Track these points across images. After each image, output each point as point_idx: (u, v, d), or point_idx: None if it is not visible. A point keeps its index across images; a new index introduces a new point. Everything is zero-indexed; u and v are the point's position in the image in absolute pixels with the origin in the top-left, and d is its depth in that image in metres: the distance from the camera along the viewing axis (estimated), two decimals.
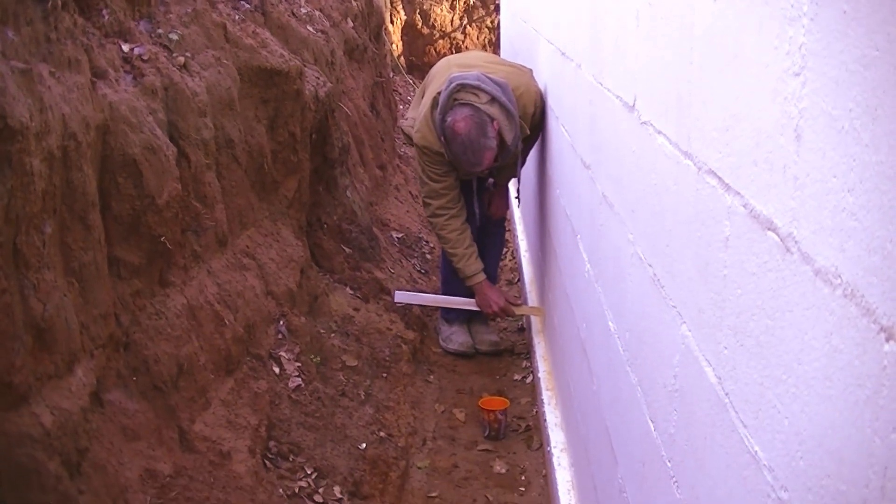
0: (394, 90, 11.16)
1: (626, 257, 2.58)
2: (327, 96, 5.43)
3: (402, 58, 13.76)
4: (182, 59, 3.91)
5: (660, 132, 2.14)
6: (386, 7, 11.91)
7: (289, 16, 5.56)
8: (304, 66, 5.21)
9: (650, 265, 2.26)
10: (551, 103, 4.96)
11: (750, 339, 1.47)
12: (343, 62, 6.96)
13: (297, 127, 4.86)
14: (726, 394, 1.61)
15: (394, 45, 13.05)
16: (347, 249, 5.82)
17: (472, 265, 5.43)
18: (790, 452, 1.30)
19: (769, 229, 1.37)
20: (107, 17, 3.57)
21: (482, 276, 5.49)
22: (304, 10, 6.01)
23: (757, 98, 1.42)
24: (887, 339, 0.99)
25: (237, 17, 4.72)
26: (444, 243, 5.51)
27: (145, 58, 3.61)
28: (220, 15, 4.45)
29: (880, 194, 1.00)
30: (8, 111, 2.43)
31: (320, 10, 6.61)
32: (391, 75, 10.91)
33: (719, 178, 1.63)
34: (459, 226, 5.38)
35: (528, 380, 5.61)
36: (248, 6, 5.15)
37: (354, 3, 8.02)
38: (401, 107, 11.04)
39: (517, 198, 6.20)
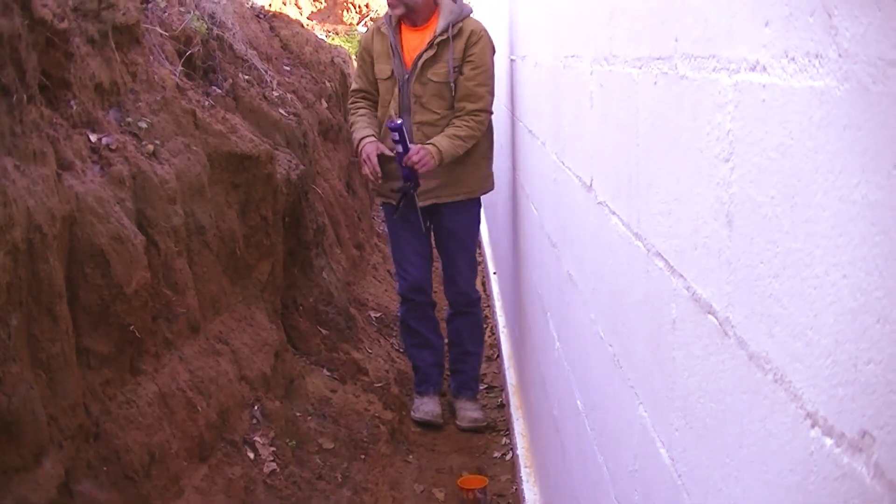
0: None
1: (590, 336, 2.59)
2: (300, 179, 5.46)
3: None
4: (151, 146, 3.93)
5: (614, 213, 2.16)
6: None
7: (260, 99, 5.61)
8: (276, 149, 5.24)
9: (610, 345, 2.27)
10: (522, 180, 4.99)
11: (698, 421, 1.48)
12: (317, 143, 7.00)
13: (269, 210, 4.87)
14: (679, 475, 1.61)
15: None
16: (324, 331, 5.81)
17: (361, 131, 5.51)
18: None
19: (709, 313, 1.39)
20: (75, 107, 3.60)
21: (370, 138, 5.46)
22: (276, 94, 6.06)
23: (694, 183, 1.45)
24: (813, 426, 1.00)
25: (207, 103, 4.75)
26: (352, 129, 5.69)
27: (113, 147, 3.63)
28: (190, 102, 4.48)
29: (800, 281, 1.02)
30: None
31: (293, 93, 6.66)
32: None
33: (665, 261, 1.65)
34: (360, 114, 5.60)
35: (508, 457, 5.58)
36: (219, 91, 5.19)
37: (328, 84, 8.09)
38: None
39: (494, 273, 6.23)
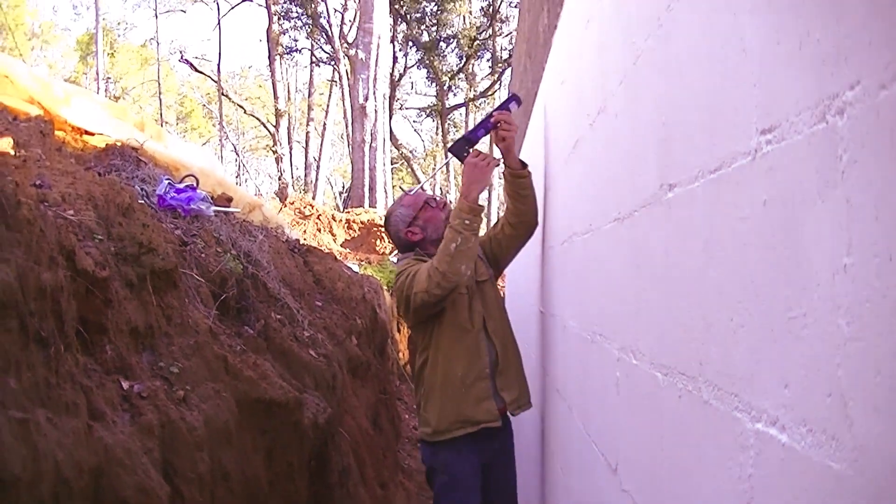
0: (399, 399, 11.21)
1: None
2: (327, 423, 5.47)
3: (408, 366, 13.89)
4: (182, 392, 3.98)
5: None
6: (392, 318, 12.11)
7: (291, 340, 5.68)
8: (305, 391, 5.27)
9: None
10: (548, 436, 4.97)
11: None
12: (346, 381, 7.03)
13: (294, 456, 4.88)
14: None
15: (400, 354, 13.20)
16: None
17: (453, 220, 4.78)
18: None
19: None
20: (109, 352, 3.66)
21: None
22: (307, 334, 6.14)
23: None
24: None
25: (238, 347, 4.82)
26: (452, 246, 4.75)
27: (144, 395, 3.68)
28: (222, 347, 4.55)
29: None
30: (0, 464, 2.46)
31: (325, 329, 6.74)
32: (397, 384, 10.99)
33: None
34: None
35: None
36: (251, 332, 5.26)
37: (359, 321, 8.18)
38: (406, 416, 11.05)
39: None
